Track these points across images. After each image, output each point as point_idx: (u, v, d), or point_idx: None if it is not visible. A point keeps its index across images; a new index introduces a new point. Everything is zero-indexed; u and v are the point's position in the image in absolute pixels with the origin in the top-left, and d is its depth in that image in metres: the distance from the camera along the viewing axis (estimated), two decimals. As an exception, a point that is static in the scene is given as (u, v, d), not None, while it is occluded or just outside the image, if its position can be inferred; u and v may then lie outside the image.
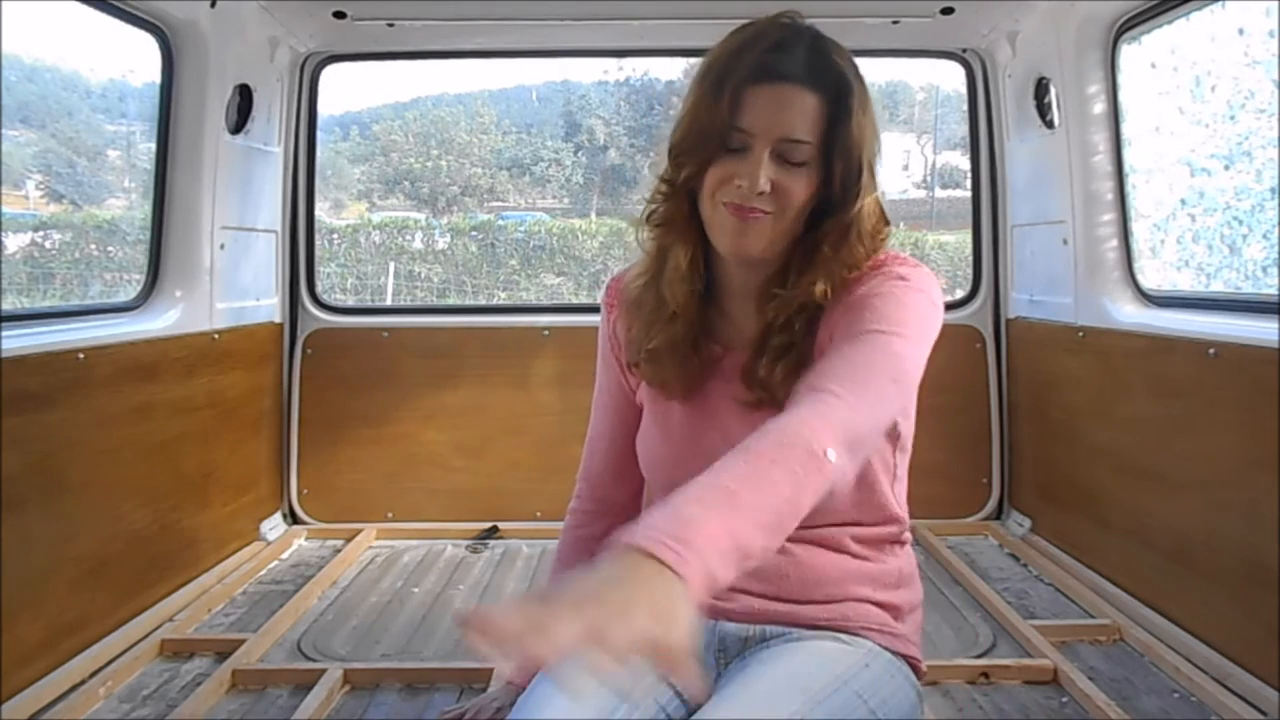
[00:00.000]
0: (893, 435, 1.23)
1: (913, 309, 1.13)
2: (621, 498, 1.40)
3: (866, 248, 1.16)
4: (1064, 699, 1.83)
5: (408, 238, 16.36)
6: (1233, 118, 2.71)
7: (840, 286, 1.18)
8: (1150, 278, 2.52)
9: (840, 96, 1.13)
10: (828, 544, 1.25)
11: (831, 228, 1.15)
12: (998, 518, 2.96)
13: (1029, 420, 2.84)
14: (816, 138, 1.12)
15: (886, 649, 1.24)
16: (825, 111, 1.12)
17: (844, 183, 1.14)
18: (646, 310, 1.25)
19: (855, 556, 1.26)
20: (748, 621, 1.25)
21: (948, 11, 2.62)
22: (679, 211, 1.20)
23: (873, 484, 1.24)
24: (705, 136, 1.14)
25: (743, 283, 1.23)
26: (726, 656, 1.26)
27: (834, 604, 1.25)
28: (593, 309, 3.24)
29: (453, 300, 15.19)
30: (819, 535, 1.25)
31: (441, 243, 16.78)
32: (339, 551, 2.72)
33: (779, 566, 1.25)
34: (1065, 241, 2.57)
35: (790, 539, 1.24)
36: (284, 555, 2.72)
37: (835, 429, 0.97)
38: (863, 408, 1.02)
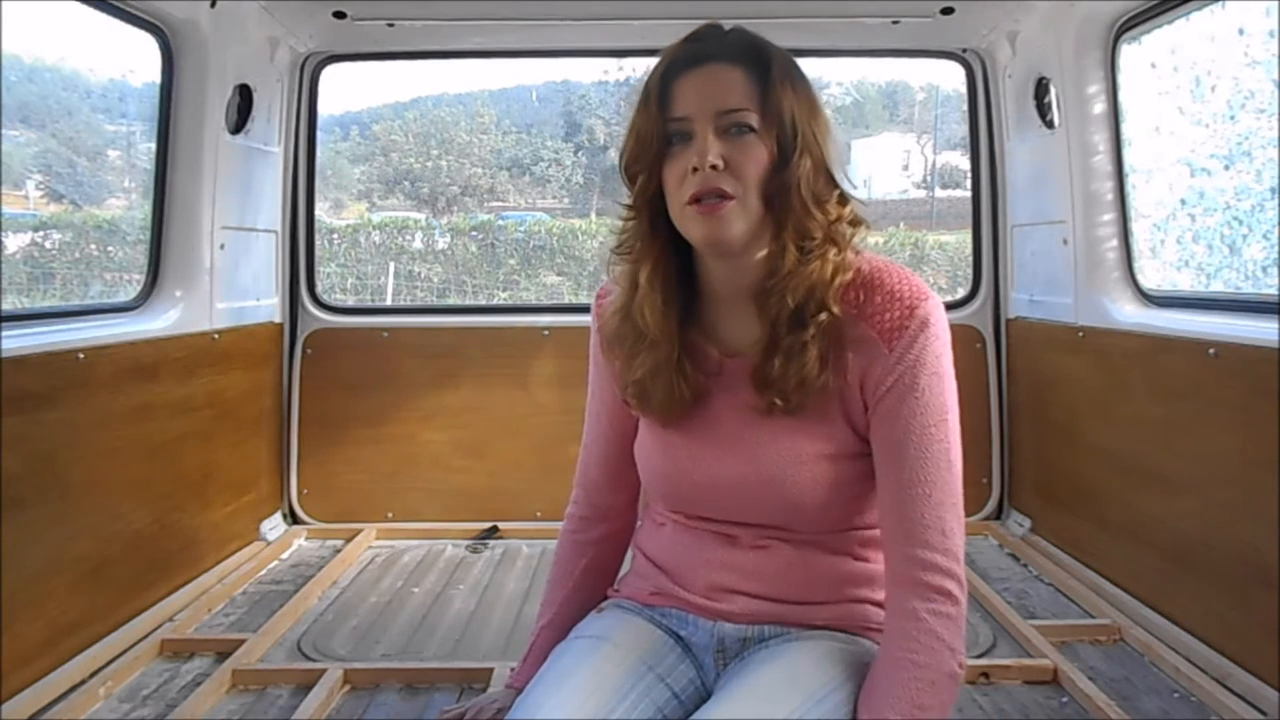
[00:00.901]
0: None
1: (950, 376, 1.16)
2: (618, 503, 1.40)
3: (819, 218, 1.15)
4: (1064, 699, 1.82)
5: (408, 238, 16.37)
6: (1233, 118, 2.72)
7: (844, 294, 1.16)
8: (1150, 278, 2.52)
9: (763, 67, 1.14)
10: (830, 547, 1.25)
11: (775, 190, 1.14)
12: (998, 518, 2.96)
13: (1029, 420, 2.84)
14: (753, 105, 1.13)
15: None
16: (753, 81, 1.14)
17: (782, 148, 1.14)
18: (627, 344, 1.24)
19: (856, 559, 1.26)
20: (747, 622, 1.25)
21: (948, 11, 2.62)
22: (642, 232, 1.20)
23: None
24: (647, 139, 1.16)
25: (733, 286, 1.21)
26: (725, 657, 1.25)
27: (832, 605, 1.25)
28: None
29: (453, 300, 15.20)
30: (821, 539, 1.25)
31: (441, 243, 16.79)
32: (339, 551, 2.72)
33: (778, 569, 1.25)
34: (1065, 241, 2.57)
35: (791, 541, 1.25)
36: (284, 555, 2.72)
37: (962, 630, 1.13)
38: (961, 554, 1.15)
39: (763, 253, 1.17)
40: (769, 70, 1.14)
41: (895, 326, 1.14)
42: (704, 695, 1.23)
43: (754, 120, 1.13)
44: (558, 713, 1.10)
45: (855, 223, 1.19)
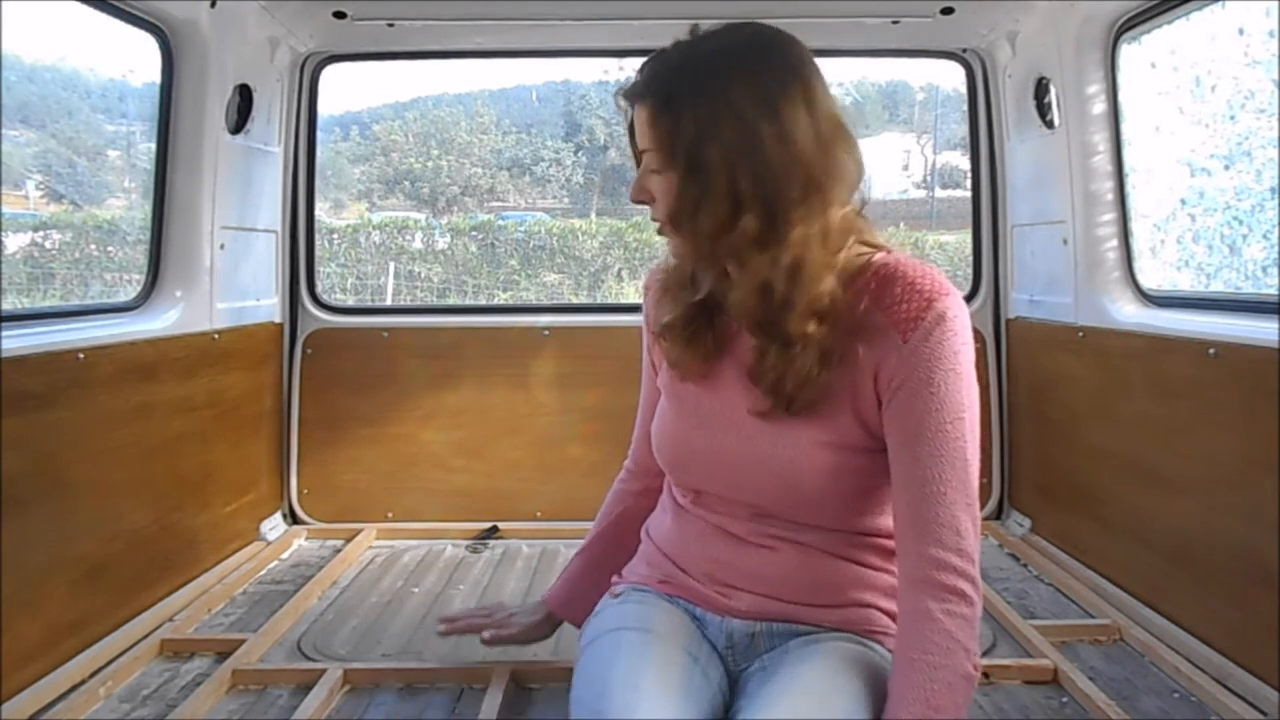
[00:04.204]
0: None
1: (968, 375, 1.15)
2: (655, 465, 1.48)
3: (727, 235, 1.14)
4: (1064, 699, 1.82)
5: (408, 238, 16.40)
6: (1233, 118, 2.72)
7: (861, 284, 1.17)
8: (1150, 278, 2.52)
9: (666, 100, 1.16)
10: (837, 552, 1.26)
11: (689, 215, 1.17)
12: (998, 518, 2.96)
13: (1029, 420, 2.84)
14: (653, 142, 1.17)
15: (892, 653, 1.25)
16: (654, 117, 1.16)
17: (685, 173, 1.15)
18: (670, 290, 1.33)
19: (862, 565, 1.27)
20: (754, 619, 1.26)
21: (948, 11, 2.62)
22: None
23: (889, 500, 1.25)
24: (638, 162, 1.26)
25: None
26: (735, 653, 1.26)
27: (838, 609, 1.26)
28: (593, 309, 3.24)
29: (453, 300, 15.22)
30: (828, 543, 1.25)
31: (441, 243, 16.81)
32: (339, 551, 2.72)
33: (784, 571, 1.26)
34: (1065, 241, 2.57)
35: (797, 543, 1.25)
36: (284, 555, 2.72)
37: (976, 631, 1.13)
38: (976, 554, 1.15)
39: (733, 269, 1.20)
40: (659, 104, 1.16)
41: (911, 317, 1.13)
42: (728, 683, 1.25)
43: (656, 158, 1.18)
44: (655, 713, 1.09)
45: (783, 224, 1.14)
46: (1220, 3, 2.14)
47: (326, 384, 2.95)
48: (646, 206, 1.23)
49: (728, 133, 1.11)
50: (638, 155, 1.23)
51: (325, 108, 3.50)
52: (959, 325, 1.14)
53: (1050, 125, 2.64)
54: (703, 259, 1.21)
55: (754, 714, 1.10)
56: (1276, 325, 1.78)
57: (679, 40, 1.20)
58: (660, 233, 1.24)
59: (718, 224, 1.14)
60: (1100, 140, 2.46)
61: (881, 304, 1.15)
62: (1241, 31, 2.42)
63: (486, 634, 1.75)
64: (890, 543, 1.27)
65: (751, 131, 1.11)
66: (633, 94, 1.20)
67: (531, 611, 1.75)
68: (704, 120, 1.12)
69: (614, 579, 1.44)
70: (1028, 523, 2.81)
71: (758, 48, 1.16)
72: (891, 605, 1.28)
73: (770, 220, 1.13)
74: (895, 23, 2.69)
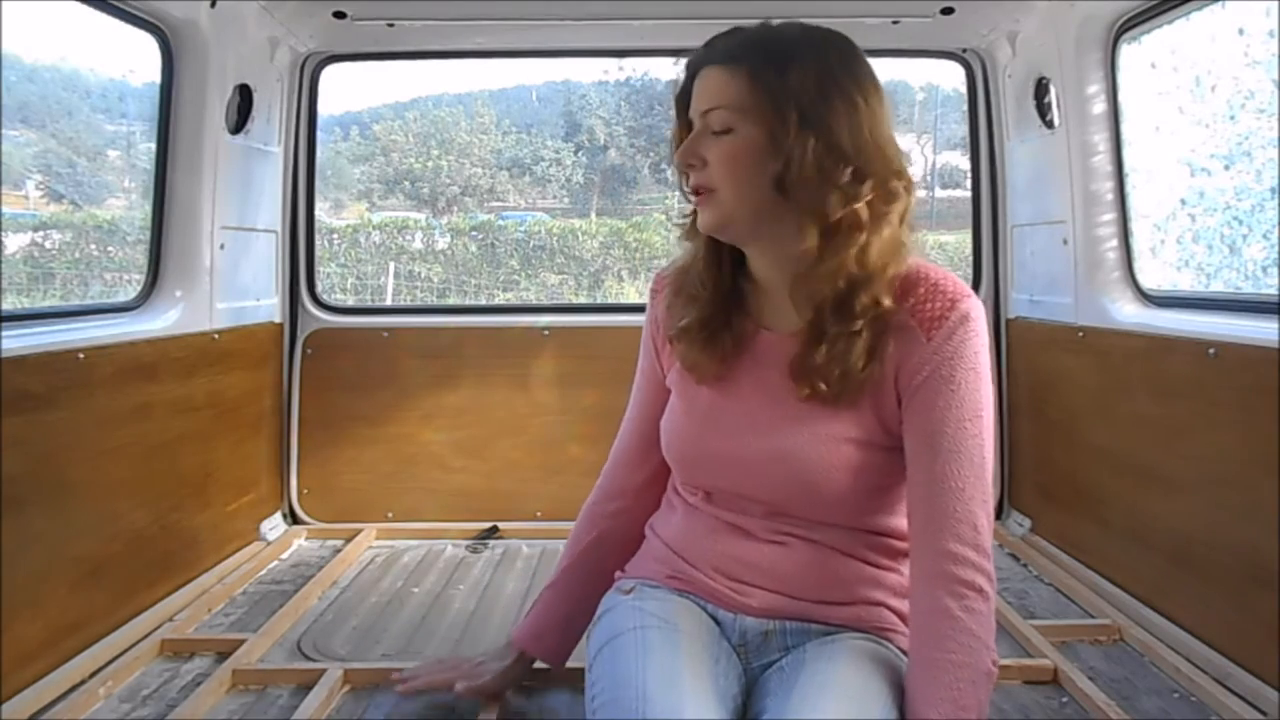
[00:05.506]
0: None
1: (986, 376, 1.21)
2: (633, 484, 1.48)
3: (824, 200, 1.14)
4: (1064, 699, 1.82)
5: (408, 238, 16.42)
6: (1233, 118, 2.72)
7: (894, 296, 1.18)
8: (1150, 278, 2.52)
9: (754, 62, 1.15)
10: (847, 550, 1.26)
11: (767, 180, 1.16)
12: (998, 518, 2.96)
13: (1029, 420, 2.85)
14: (731, 101, 1.16)
15: (903, 651, 1.25)
16: (740, 79, 1.16)
17: (775, 137, 1.15)
18: (685, 293, 1.32)
19: (872, 564, 1.27)
20: (766, 617, 1.26)
21: (948, 11, 2.62)
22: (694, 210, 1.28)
23: (902, 502, 1.25)
24: (677, 138, 1.25)
25: (771, 276, 1.25)
26: (747, 650, 1.26)
27: (848, 606, 1.26)
28: (593, 309, 3.25)
29: (453, 300, 15.23)
30: (839, 541, 1.26)
31: (441, 243, 16.83)
32: (339, 551, 2.72)
33: (794, 567, 1.26)
34: (1065, 241, 2.57)
35: (808, 540, 1.25)
36: (284, 555, 2.72)
37: (993, 627, 1.13)
38: (991, 550, 1.16)
39: (790, 243, 1.19)
40: (758, 64, 1.15)
41: (936, 317, 1.17)
42: (743, 683, 1.24)
43: (731, 118, 1.16)
44: (699, 713, 1.08)
45: (887, 199, 1.17)
46: (1220, 3, 2.14)
47: (326, 384, 2.96)
48: (686, 175, 1.22)
49: (837, 101, 1.13)
50: (687, 122, 1.22)
51: (325, 108, 3.50)
52: (980, 327, 1.19)
53: (1050, 125, 2.64)
54: (743, 227, 1.19)
55: (793, 713, 1.08)
56: (1276, 325, 1.78)
57: (760, 25, 1.21)
58: (694, 199, 1.22)
59: (821, 179, 1.13)
60: (1100, 140, 2.46)
61: (907, 303, 1.18)
62: (1241, 31, 2.42)
63: (459, 686, 1.59)
64: (899, 543, 1.28)
65: (856, 106, 1.14)
66: (738, 53, 1.17)
67: (500, 655, 1.61)
68: (813, 83, 1.14)
69: (618, 574, 1.44)
70: (1028, 523, 2.81)
71: (838, 40, 1.19)
72: (900, 604, 1.28)
73: (855, 199, 1.14)
74: (895, 23, 2.69)
